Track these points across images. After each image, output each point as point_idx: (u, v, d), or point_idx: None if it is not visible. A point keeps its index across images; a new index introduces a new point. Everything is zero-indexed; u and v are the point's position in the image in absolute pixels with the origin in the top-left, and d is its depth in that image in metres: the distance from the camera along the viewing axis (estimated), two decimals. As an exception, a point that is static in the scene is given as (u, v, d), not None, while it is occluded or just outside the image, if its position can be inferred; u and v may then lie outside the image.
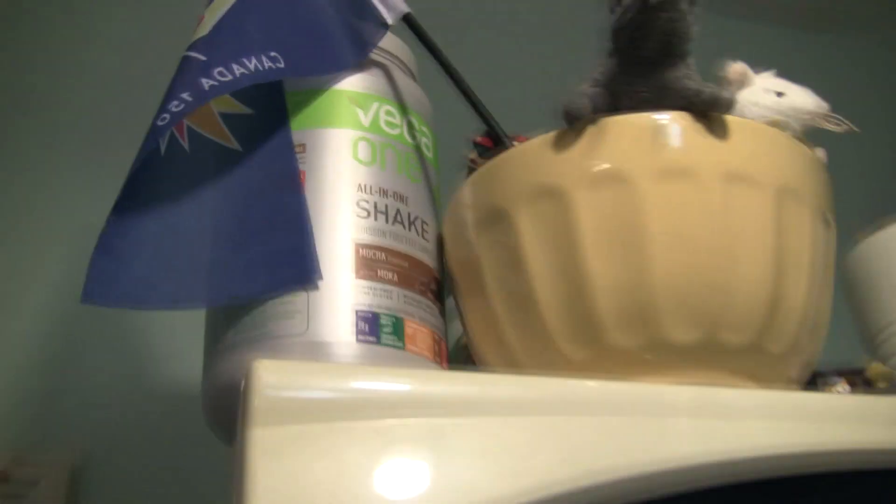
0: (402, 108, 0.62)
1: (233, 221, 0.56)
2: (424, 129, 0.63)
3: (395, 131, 0.60)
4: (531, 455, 0.43)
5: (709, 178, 0.49)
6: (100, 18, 1.09)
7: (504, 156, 0.54)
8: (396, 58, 0.64)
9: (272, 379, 0.43)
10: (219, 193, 0.57)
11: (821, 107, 0.57)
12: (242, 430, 0.43)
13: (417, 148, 0.62)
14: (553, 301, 0.49)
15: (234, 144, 0.59)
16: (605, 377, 0.47)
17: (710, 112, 0.49)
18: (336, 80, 0.60)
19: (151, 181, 0.57)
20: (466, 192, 0.55)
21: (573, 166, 0.50)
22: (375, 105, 0.60)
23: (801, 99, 0.57)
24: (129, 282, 0.55)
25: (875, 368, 0.61)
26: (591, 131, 0.50)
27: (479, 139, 0.60)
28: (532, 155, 0.52)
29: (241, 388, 0.44)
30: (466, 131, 0.62)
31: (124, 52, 1.07)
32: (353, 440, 0.42)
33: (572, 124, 0.50)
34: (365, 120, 0.59)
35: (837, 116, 0.56)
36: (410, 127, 0.62)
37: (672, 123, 0.50)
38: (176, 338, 0.93)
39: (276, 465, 0.41)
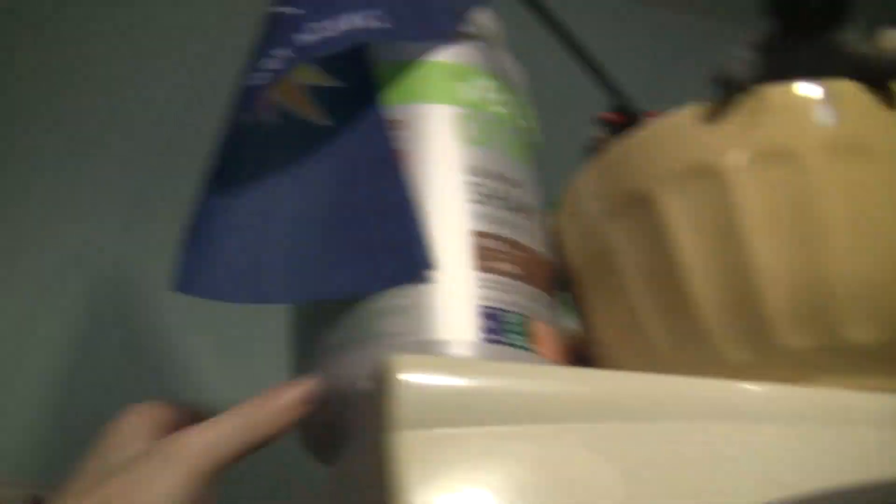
0: (505, 85, 0.56)
1: (330, 207, 0.51)
2: (527, 109, 0.58)
3: (501, 109, 0.55)
4: (717, 467, 0.39)
5: (888, 157, 0.45)
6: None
7: (646, 132, 0.49)
8: (492, 30, 0.59)
9: (418, 376, 0.38)
10: (310, 175, 0.52)
11: None
12: (378, 435, 0.38)
13: (523, 130, 0.56)
14: (711, 296, 0.45)
15: (324, 121, 0.53)
16: (776, 381, 0.42)
17: (884, 82, 0.44)
18: (432, 51, 0.55)
19: (237, 159, 0.51)
20: (595, 176, 0.51)
21: (732, 142, 0.46)
22: (478, 80, 0.55)
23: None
24: (221, 272, 0.49)
25: None
26: (750, 102, 0.46)
27: (607, 115, 0.54)
28: (682, 130, 0.47)
29: (374, 388, 0.39)
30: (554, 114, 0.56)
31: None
32: (515, 447, 0.37)
33: (730, 94, 0.45)
34: (468, 96, 0.54)
35: None
36: (515, 106, 0.56)
37: (844, 94, 0.46)
38: (144, 362, 0.89)
39: (430, 473, 0.36)
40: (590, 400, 0.39)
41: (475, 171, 0.52)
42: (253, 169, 0.52)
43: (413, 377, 0.38)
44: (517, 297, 0.50)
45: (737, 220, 0.45)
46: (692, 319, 0.45)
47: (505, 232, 0.51)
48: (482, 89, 0.55)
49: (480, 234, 0.50)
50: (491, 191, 0.52)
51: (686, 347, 0.46)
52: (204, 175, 0.51)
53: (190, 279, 0.49)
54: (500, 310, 0.48)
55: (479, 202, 0.51)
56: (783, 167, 0.44)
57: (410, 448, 0.36)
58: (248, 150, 0.52)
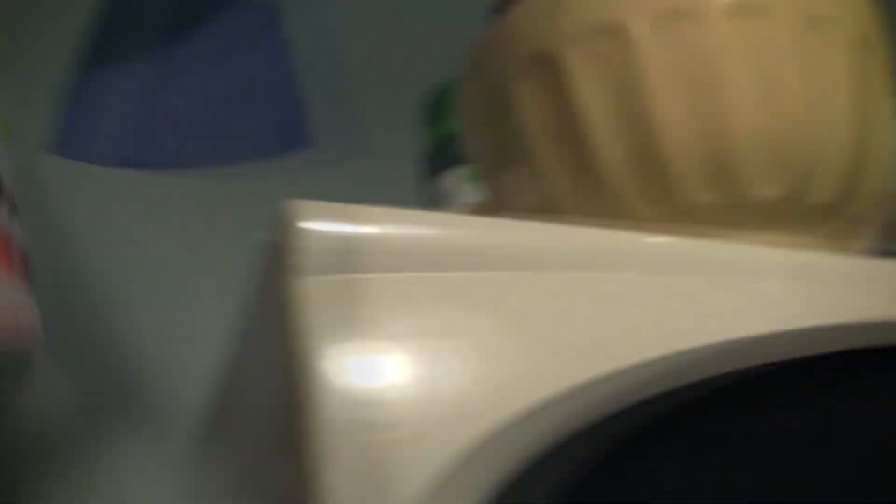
0: None
1: None
2: None
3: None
4: (624, 315, 0.38)
5: (786, 17, 0.46)
6: None
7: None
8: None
9: (319, 220, 0.36)
10: None
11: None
12: (276, 284, 0.36)
13: None
14: (616, 153, 0.45)
15: None
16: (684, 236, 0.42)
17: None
18: None
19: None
20: (498, 36, 0.50)
21: (636, 1, 0.46)
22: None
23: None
24: None
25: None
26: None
27: None
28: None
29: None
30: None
31: None
32: (428, 293, 0.36)
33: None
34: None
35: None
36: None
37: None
38: None
39: (335, 315, 0.34)
40: (495, 247, 0.37)
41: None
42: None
43: (314, 223, 0.36)
44: None
45: (640, 79, 0.45)
46: (598, 177, 0.46)
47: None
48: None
49: None
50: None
51: (594, 204, 0.46)
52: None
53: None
54: None
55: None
56: (685, 27, 0.45)
57: (315, 292, 0.35)
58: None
